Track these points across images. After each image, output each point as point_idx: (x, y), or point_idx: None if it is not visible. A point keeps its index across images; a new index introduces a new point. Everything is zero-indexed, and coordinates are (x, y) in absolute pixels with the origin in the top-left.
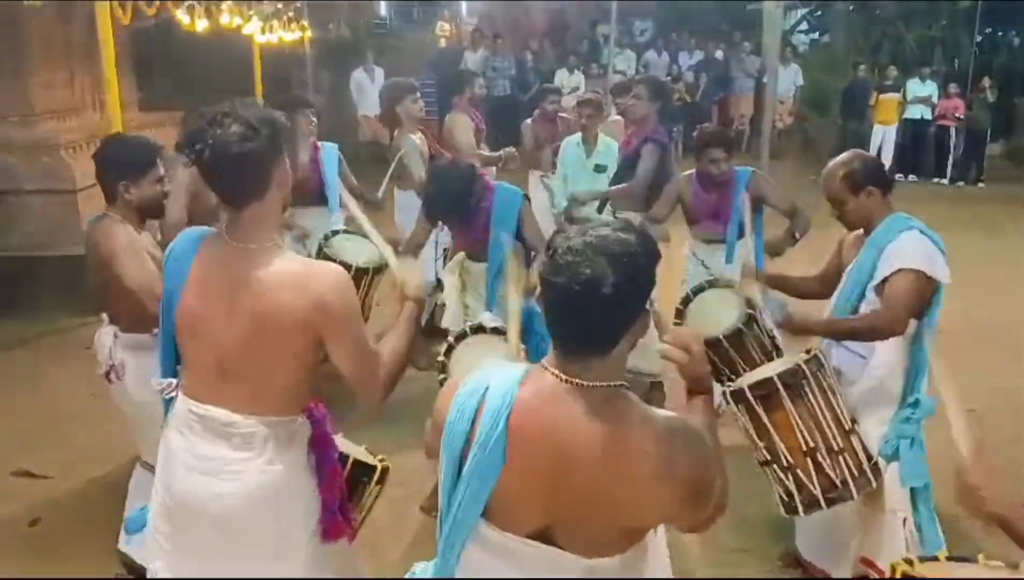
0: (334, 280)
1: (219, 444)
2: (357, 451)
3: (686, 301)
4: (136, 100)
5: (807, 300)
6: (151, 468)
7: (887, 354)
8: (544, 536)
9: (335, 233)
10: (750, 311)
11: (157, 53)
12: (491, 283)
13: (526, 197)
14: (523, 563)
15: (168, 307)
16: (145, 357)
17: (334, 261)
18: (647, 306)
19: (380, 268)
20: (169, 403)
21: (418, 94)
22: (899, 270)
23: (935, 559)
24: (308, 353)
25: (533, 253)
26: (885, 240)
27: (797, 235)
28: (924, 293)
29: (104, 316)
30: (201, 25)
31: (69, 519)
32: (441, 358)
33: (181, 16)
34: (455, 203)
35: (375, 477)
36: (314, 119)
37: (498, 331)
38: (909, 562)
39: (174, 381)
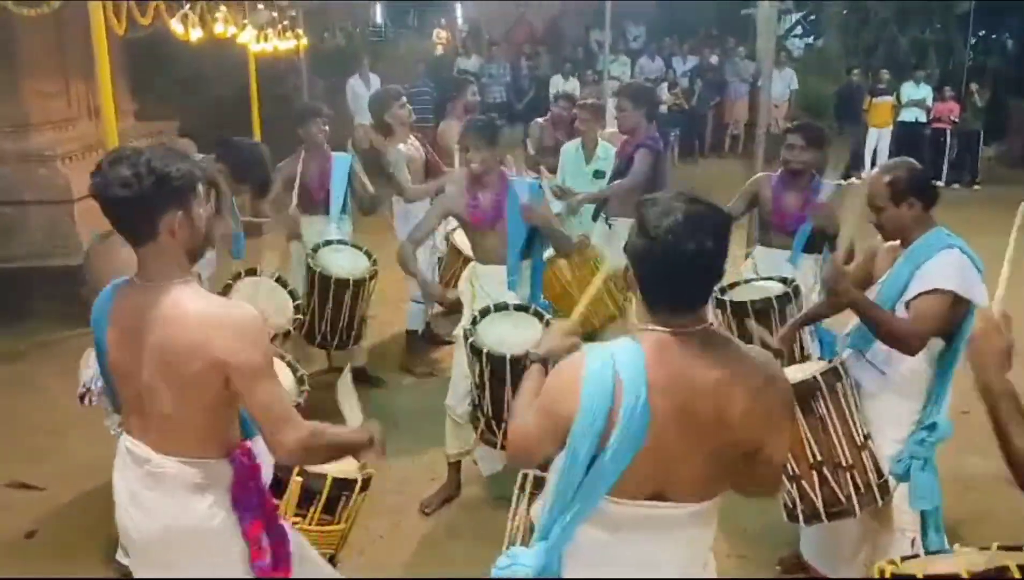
0: (242, 324)
1: (143, 480)
2: (334, 468)
3: (733, 285)
4: (132, 110)
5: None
6: None
7: (910, 372)
8: (658, 495)
9: (326, 244)
10: (788, 292)
11: (153, 63)
12: (512, 266)
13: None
14: (638, 527)
15: (100, 352)
16: None
17: (319, 272)
18: None
19: (363, 280)
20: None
21: (404, 99)
22: (934, 290)
23: (915, 556)
24: (218, 396)
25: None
26: (923, 256)
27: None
28: (955, 314)
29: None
30: (195, 35)
31: (65, 531)
32: (467, 327)
33: (175, 26)
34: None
35: (357, 488)
36: (325, 128)
37: (521, 309)
38: (892, 562)
39: (118, 418)
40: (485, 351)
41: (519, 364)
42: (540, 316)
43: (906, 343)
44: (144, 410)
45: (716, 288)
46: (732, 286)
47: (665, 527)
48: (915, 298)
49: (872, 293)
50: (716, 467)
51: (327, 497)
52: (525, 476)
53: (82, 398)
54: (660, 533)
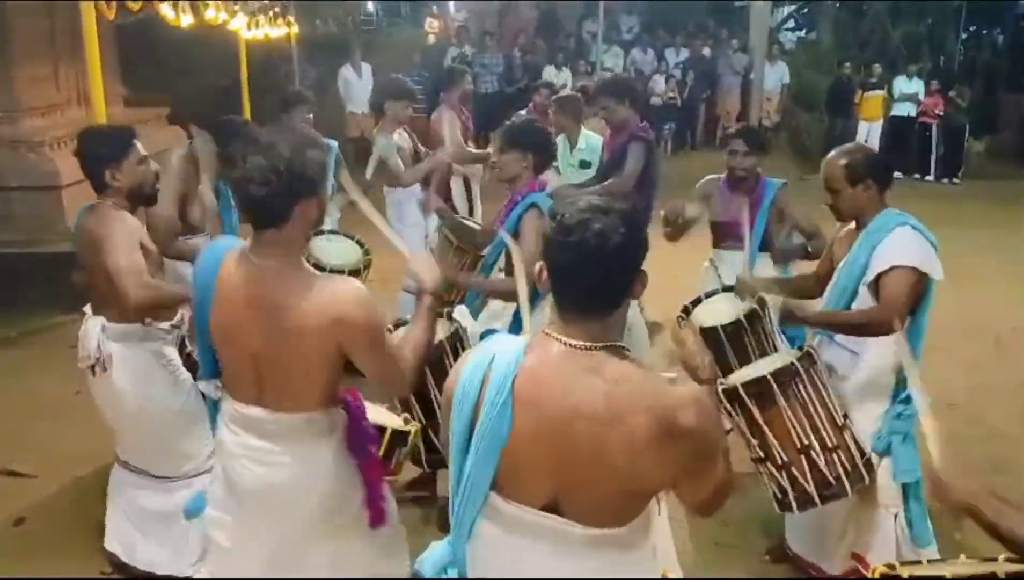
0: (354, 297)
1: (264, 440)
2: (392, 420)
3: (696, 302)
4: (121, 96)
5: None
6: (129, 467)
7: (879, 350)
8: (553, 507)
9: (318, 233)
10: (755, 308)
11: (142, 48)
12: (486, 272)
13: (535, 206)
14: (534, 535)
15: (202, 316)
16: (134, 348)
17: (312, 263)
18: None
19: (356, 270)
20: (216, 403)
21: (408, 104)
22: (893, 267)
23: (918, 562)
24: (333, 359)
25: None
26: (879, 236)
27: (806, 254)
28: (917, 289)
29: (87, 308)
30: (186, 20)
31: (55, 518)
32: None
33: (166, 11)
34: None
35: (410, 439)
36: (310, 116)
37: (449, 318)
38: (891, 566)
39: (218, 382)
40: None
41: (433, 354)
42: (439, 314)
43: (885, 326)
44: (258, 373)
45: (683, 306)
46: (695, 303)
47: (565, 543)
48: (877, 279)
49: (833, 278)
50: (608, 496)
51: (387, 448)
52: None
53: (92, 368)
54: (560, 548)
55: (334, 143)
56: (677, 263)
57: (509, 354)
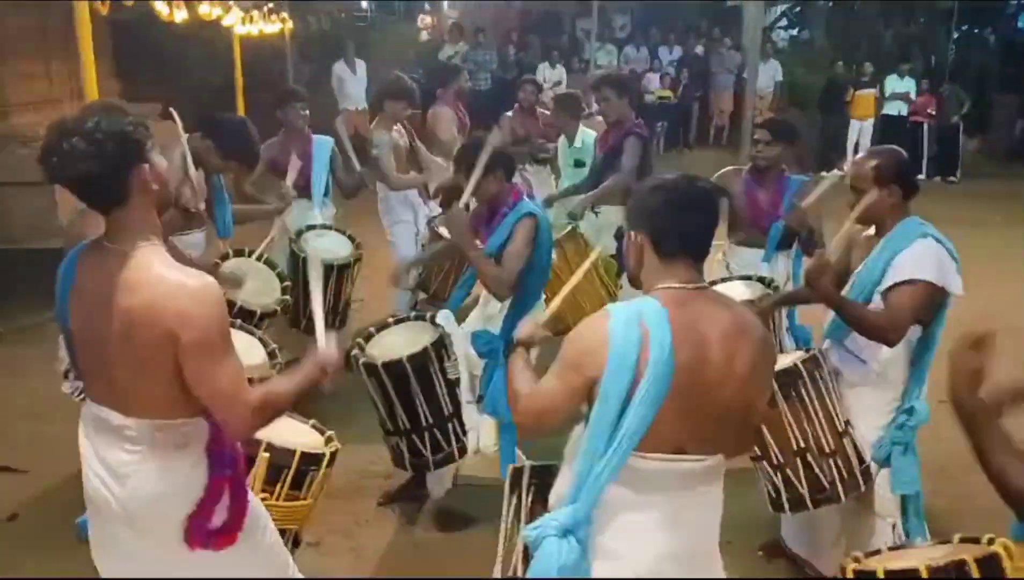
0: (198, 294)
1: (114, 446)
2: (307, 439)
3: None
4: (115, 91)
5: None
6: None
7: (888, 360)
8: (681, 449)
9: (310, 228)
10: (768, 291)
11: (137, 44)
12: (466, 281)
13: (531, 215)
14: (658, 486)
15: (63, 316)
16: None
17: (303, 257)
18: None
19: (347, 265)
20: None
21: (406, 103)
22: (908, 280)
23: (878, 552)
24: (176, 366)
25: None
26: (899, 245)
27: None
28: (932, 303)
29: None
30: (180, 16)
31: (48, 514)
32: (354, 353)
33: (159, 6)
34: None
35: (324, 463)
36: (305, 112)
37: (402, 320)
38: (856, 559)
39: (80, 384)
40: (380, 364)
41: (418, 361)
42: (423, 318)
43: (884, 335)
44: (112, 375)
45: None
46: (711, 284)
47: (685, 482)
48: (891, 289)
49: (849, 283)
50: (722, 418)
51: (295, 472)
52: (519, 471)
53: (66, 374)
54: (681, 490)
55: (330, 139)
56: None
57: (655, 311)
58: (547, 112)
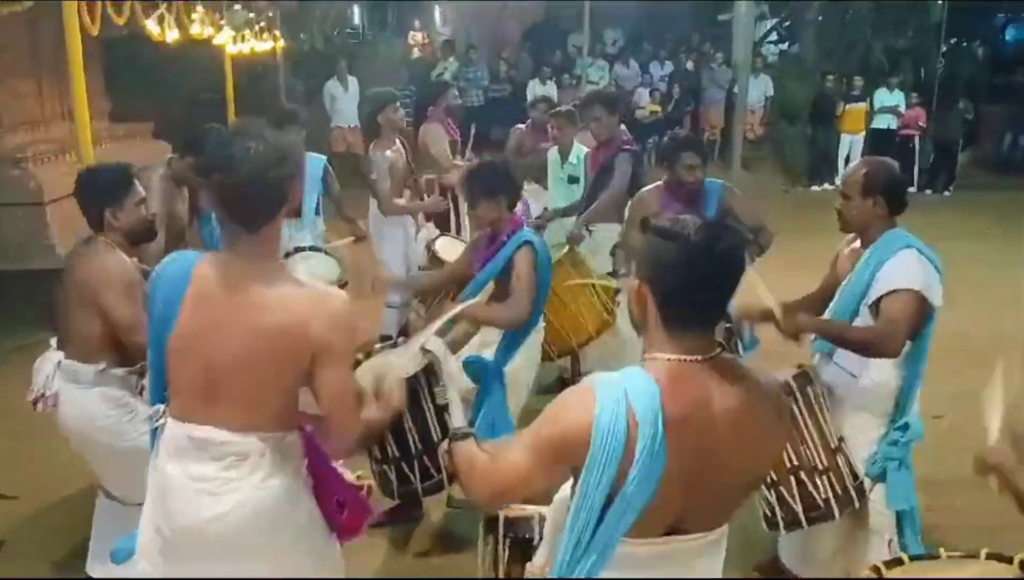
0: (338, 310)
1: (214, 465)
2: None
3: None
4: (106, 110)
5: None
6: (110, 496)
7: (879, 374)
8: (674, 530)
9: (297, 250)
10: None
11: (127, 63)
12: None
13: (528, 244)
14: (650, 567)
15: (160, 331)
16: (81, 390)
17: None
18: None
19: (339, 286)
20: (155, 432)
21: (398, 104)
22: (896, 290)
23: (899, 561)
24: (303, 375)
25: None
26: (883, 256)
27: (759, 250)
28: (919, 313)
29: (53, 341)
30: (172, 36)
31: (35, 540)
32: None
33: (151, 26)
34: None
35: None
36: (303, 132)
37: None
38: (876, 569)
39: (163, 407)
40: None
41: (407, 388)
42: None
43: (884, 349)
44: (217, 390)
45: None
46: None
47: (684, 560)
48: (879, 301)
49: (836, 295)
50: (727, 496)
51: None
52: (492, 521)
53: (35, 402)
54: (679, 567)
55: (322, 158)
56: None
57: (643, 387)
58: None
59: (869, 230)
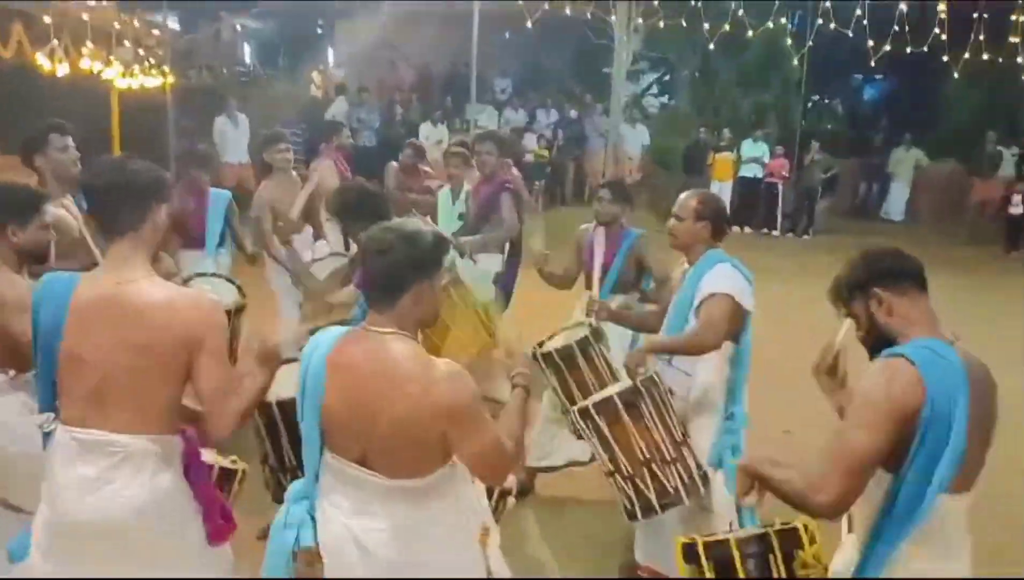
0: (208, 307)
1: (103, 465)
2: (218, 459)
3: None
4: None
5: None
6: (8, 506)
7: (708, 372)
8: (361, 460)
9: (199, 275)
10: (588, 336)
11: (8, 95)
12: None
13: None
14: (350, 482)
15: (48, 345)
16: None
17: None
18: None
19: (236, 310)
20: (47, 436)
21: (284, 145)
22: (712, 294)
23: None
24: (183, 373)
25: None
26: (703, 270)
27: (648, 299)
28: (735, 316)
29: None
30: (62, 71)
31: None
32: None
33: (42, 61)
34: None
35: (237, 479)
36: (207, 176)
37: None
38: (691, 539)
39: (52, 415)
40: (275, 402)
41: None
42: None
43: (705, 342)
44: (105, 396)
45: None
46: (551, 337)
47: (373, 490)
48: (700, 305)
49: (670, 308)
50: (396, 456)
51: (218, 482)
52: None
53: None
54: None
55: (227, 193)
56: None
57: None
58: (429, 169)
59: (694, 249)
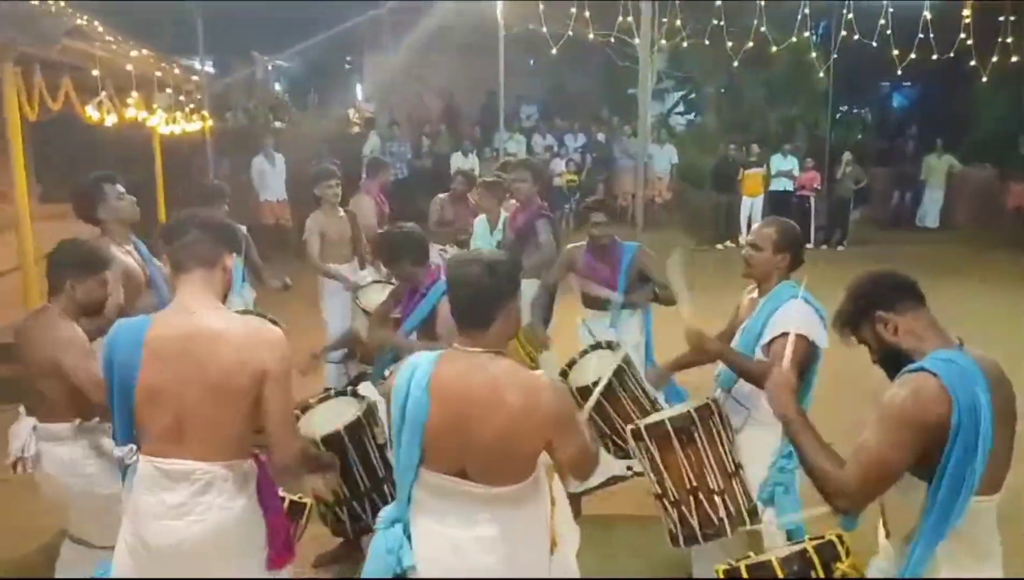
0: (276, 340)
1: (183, 492)
2: (290, 495)
3: (571, 363)
4: (36, 193)
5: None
6: (80, 542)
7: (767, 408)
8: (461, 474)
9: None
10: (621, 365)
11: (54, 146)
12: (387, 362)
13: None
14: (452, 495)
15: (125, 383)
16: (64, 446)
17: None
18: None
19: None
20: (128, 468)
21: (335, 181)
22: (785, 333)
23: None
24: (256, 403)
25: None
26: (775, 304)
27: (665, 302)
28: (804, 353)
29: (22, 408)
30: (110, 120)
31: None
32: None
33: (90, 112)
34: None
35: (305, 514)
36: (225, 207)
37: (341, 394)
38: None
39: (134, 446)
40: (319, 438)
41: (353, 430)
42: (343, 394)
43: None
44: (183, 425)
45: (560, 369)
46: (571, 365)
47: (473, 499)
48: (771, 342)
49: (736, 337)
50: (495, 464)
51: (287, 514)
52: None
53: (14, 466)
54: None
55: (243, 228)
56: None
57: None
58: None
59: (768, 280)
